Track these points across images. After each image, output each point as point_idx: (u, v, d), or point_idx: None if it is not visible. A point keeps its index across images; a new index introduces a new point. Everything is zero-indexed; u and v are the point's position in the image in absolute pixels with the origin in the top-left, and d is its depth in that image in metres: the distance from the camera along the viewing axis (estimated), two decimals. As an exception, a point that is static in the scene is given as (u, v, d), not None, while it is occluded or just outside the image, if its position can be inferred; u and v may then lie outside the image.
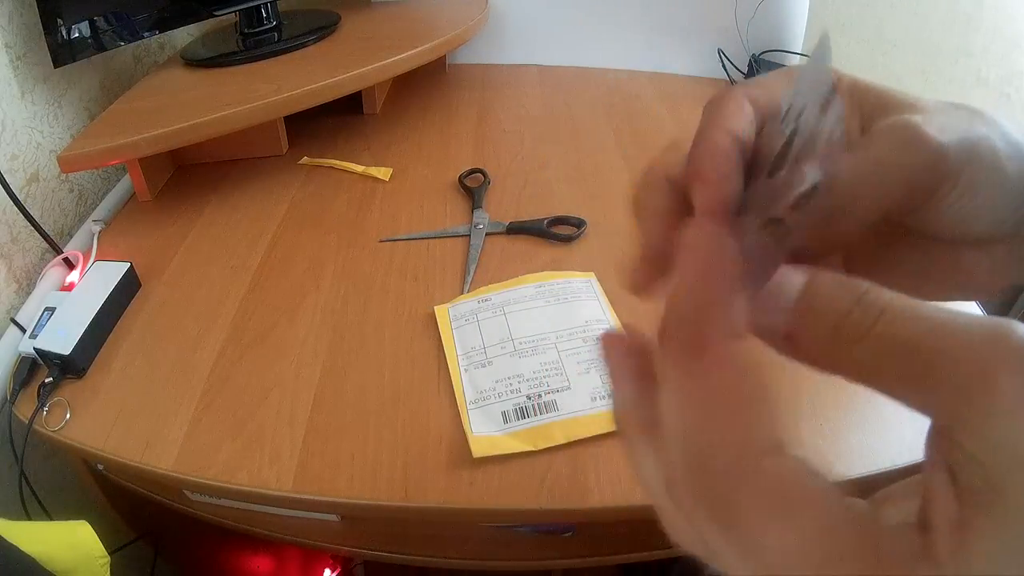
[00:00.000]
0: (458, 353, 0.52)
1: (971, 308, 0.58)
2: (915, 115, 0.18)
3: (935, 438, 0.14)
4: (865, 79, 0.20)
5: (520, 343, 0.51)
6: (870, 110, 0.20)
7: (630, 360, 0.18)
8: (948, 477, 0.13)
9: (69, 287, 0.59)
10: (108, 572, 0.41)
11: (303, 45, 0.80)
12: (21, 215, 0.60)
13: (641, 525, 0.54)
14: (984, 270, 0.21)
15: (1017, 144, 0.19)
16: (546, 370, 0.49)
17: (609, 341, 0.18)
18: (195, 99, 0.69)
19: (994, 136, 0.19)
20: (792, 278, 0.15)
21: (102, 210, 0.71)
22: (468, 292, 0.58)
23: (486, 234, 0.65)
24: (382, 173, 0.75)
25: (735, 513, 0.13)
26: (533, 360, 0.50)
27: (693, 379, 0.15)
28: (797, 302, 0.15)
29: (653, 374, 0.17)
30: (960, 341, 0.13)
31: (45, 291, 0.58)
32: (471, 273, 0.60)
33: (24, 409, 0.49)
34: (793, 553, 0.13)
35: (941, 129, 0.17)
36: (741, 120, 0.19)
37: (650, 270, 0.20)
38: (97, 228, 0.66)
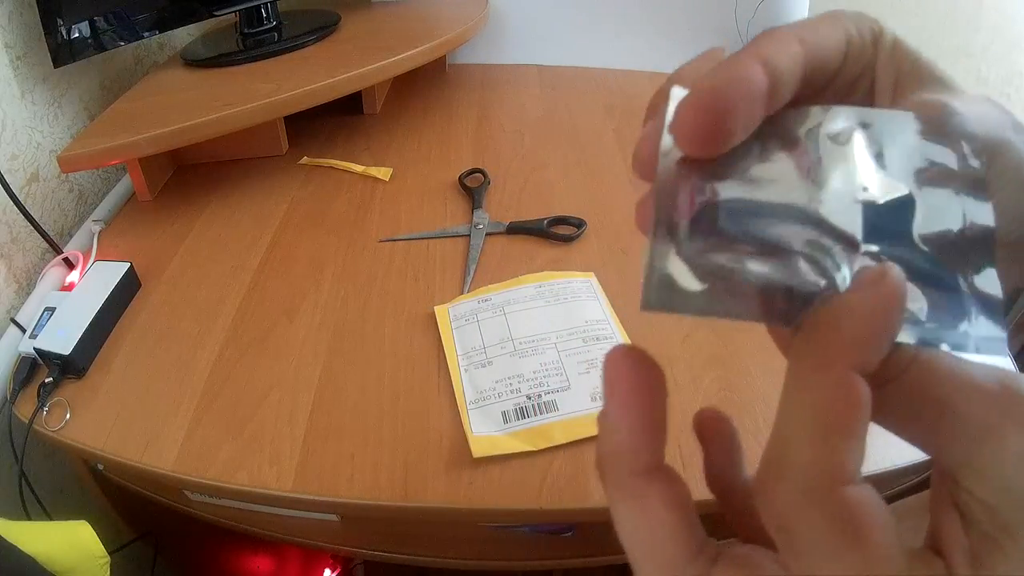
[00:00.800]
0: (458, 353, 0.52)
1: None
2: (948, 96, 0.17)
3: (941, 477, 0.14)
4: (908, 43, 0.19)
5: (520, 343, 0.51)
6: (905, 77, 0.18)
7: (639, 398, 0.15)
8: (957, 515, 0.13)
9: (69, 287, 0.59)
10: (108, 572, 0.41)
11: (303, 45, 0.80)
12: (21, 215, 0.60)
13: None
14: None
15: None
16: (546, 370, 0.49)
17: (619, 366, 0.16)
18: (195, 99, 0.69)
19: (1018, 135, 0.18)
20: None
21: (102, 210, 0.71)
22: (468, 292, 0.58)
23: (486, 234, 0.65)
24: (382, 173, 0.75)
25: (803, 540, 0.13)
26: (533, 360, 0.50)
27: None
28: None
29: (663, 420, 0.15)
30: (972, 393, 0.13)
31: (45, 291, 0.58)
32: (471, 273, 0.60)
33: (24, 409, 0.49)
34: None
35: (973, 119, 0.16)
36: (787, 64, 0.15)
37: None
38: (97, 228, 0.66)
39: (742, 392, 0.48)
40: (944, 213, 0.14)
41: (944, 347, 0.14)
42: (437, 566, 0.54)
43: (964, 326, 0.14)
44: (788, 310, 0.14)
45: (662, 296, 0.14)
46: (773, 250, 0.14)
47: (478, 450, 0.44)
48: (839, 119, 0.15)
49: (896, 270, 0.13)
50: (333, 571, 0.81)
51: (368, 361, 0.52)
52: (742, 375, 0.50)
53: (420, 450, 0.45)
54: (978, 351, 0.14)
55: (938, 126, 0.15)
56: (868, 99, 0.18)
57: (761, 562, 0.15)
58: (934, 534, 0.14)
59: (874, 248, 0.14)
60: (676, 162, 0.15)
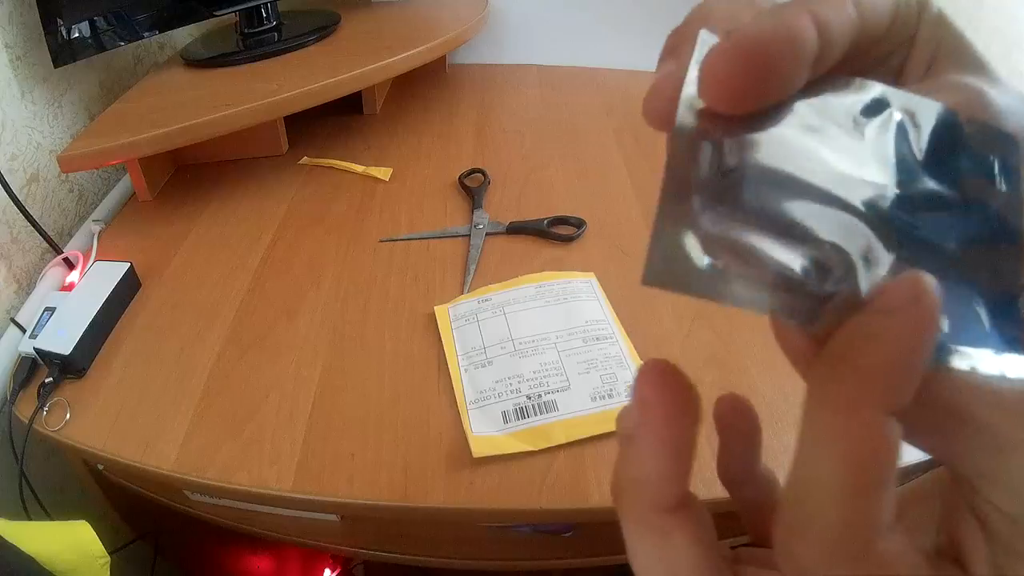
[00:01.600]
0: (458, 353, 0.52)
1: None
2: (986, 83, 0.16)
3: (958, 486, 0.14)
4: (952, 19, 0.17)
5: (520, 343, 0.51)
6: (944, 54, 0.17)
7: (674, 428, 0.14)
8: (977, 526, 0.13)
9: (69, 287, 0.59)
10: (108, 572, 0.41)
11: (303, 45, 0.80)
12: (21, 215, 0.60)
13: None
14: None
15: None
16: (546, 370, 0.49)
17: (655, 387, 0.14)
18: (195, 99, 0.69)
19: None
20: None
21: (102, 210, 0.71)
22: (468, 292, 0.58)
23: (486, 234, 0.65)
24: (382, 173, 0.75)
25: None
26: (533, 360, 0.50)
27: None
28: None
29: (693, 449, 0.14)
30: (996, 405, 0.12)
31: (45, 291, 0.58)
32: (471, 273, 0.60)
33: (24, 409, 0.49)
34: None
35: (1006, 106, 0.15)
36: (839, 25, 0.13)
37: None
38: (97, 228, 0.66)
39: (742, 392, 0.48)
40: (973, 224, 0.13)
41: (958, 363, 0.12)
42: (437, 566, 0.54)
43: (980, 339, 0.13)
44: (803, 306, 0.12)
45: (667, 270, 0.12)
46: (798, 234, 0.12)
47: (478, 450, 0.44)
48: (884, 100, 0.14)
49: (933, 285, 0.11)
50: (333, 571, 0.81)
51: (368, 361, 0.52)
52: (742, 375, 0.50)
53: (420, 450, 0.45)
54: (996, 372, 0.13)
55: (980, 127, 0.14)
56: (897, 75, 0.16)
57: None
58: (951, 542, 0.14)
59: (905, 253, 0.13)
60: (698, 115, 0.13)
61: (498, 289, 0.57)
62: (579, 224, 0.65)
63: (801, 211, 0.12)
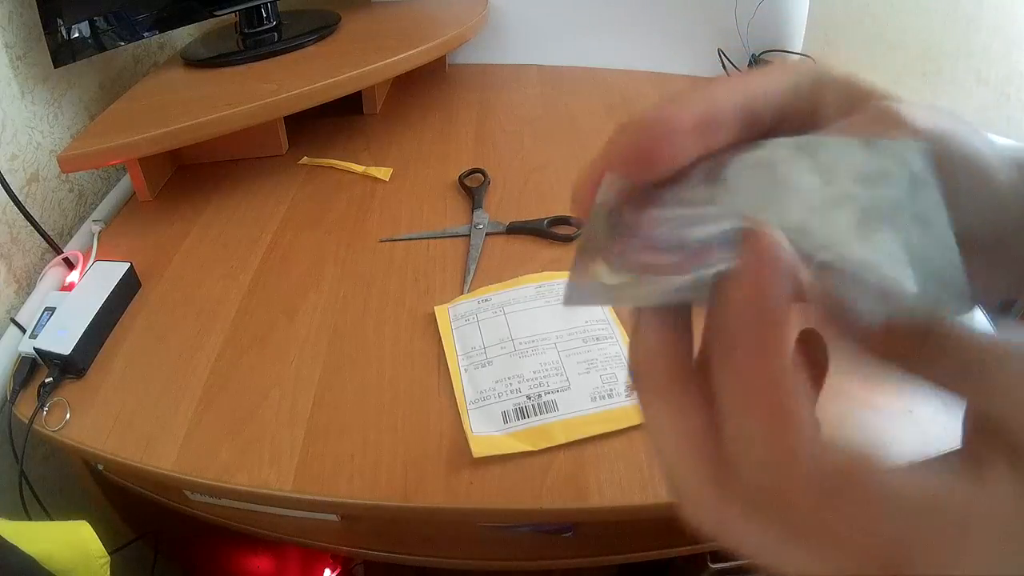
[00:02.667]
0: (458, 353, 0.52)
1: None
2: (897, 103, 0.18)
3: (985, 423, 0.15)
4: (858, 76, 0.20)
5: (520, 343, 0.51)
6: (856, 100, 0.20)
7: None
8: (1010, 450, 0.14)
9: (69, 287, 0.59)
10: (108, 572, 0.41)
11: (303, 45, 0.80)
12: (21, 215, 0.60)
13: (640, 525, 0.54)
14: (975, 280, 0.21)
15: (1004, 148, 0.19)
16: (546, 370, 0.49)
17: None
18: (195, 99, 0.69)
19: (975, 136, 0.19)
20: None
21: (102, 210, 0.71)
22: (468, 292, 0.58)
23: (486, 234, 0.65)
24: (382, 173, 0.75)
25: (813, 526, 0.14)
26: (533, 360, 0.50)
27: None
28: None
29: (689, 326, 0.16)
30: (1012, 355, 0.14)
31: (45, 291, 0.58)
32: (471, 273, 0.60)
33: (24, 409, 0.49)
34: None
35: (920, 116, 0.18)
36: (724, 104, 0.17)
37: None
38: (97, 228, 0.66)
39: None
40: (889, 217, 0.15)
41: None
42: (437, 566, 0.54)
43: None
44: (701, 294, 0.15)
45: (579, 295, 0.16)
46: (690, 254, 0.15)
47: (478, 450, 0.44)
48: (775, 147, 0.17)
49: (765, 234, 0.14)
50: (333, 571, 0.81)
51: (368, 361, 0.52)
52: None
53: (420, 450, 0.45)
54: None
55: (880, 142, 0.16)
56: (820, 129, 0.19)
57: None
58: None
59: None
60: (615, 193, 0.17)
61: (498, 289, 0.57)
62: (579, 224, 0.65)
63: (694, 237, 0.15)
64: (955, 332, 0.15)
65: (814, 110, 0.19)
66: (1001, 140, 0.19)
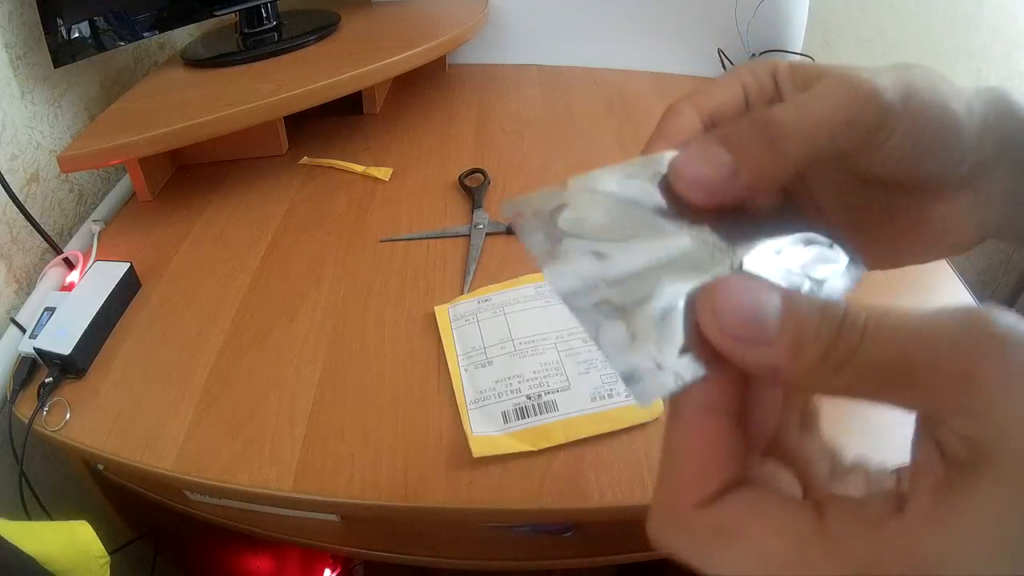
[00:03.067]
0: (458, 353, 0.52)
1: (962, 296, 0.59)
2: (855, 69, 0.19)
3: (922, 424, 0.15)
4: (803, 63, 0.22)
5: (520, 343, 0.51)
6: (810, 79, 0.21)
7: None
8: (937, 452, 0.14)
9: (69, 287, 0.59)
10: (108, 572, 0.41)
11: (303, 45, 0.80)
12: (21, 215, 0.60)
13: (640, 525, 0.54)
14: (952, 222, 0.22)
15: (965, 91, 0.20)
16: (546, 370, 0.49)
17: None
18: (195, 99, 0.69)
19: (938, 81, 0.20)
20: (768, 301, 0.15)
21: (102, 210, 0.71)
22: (468, 292, 0.58)
23: (486, 234, 0.65)
24: (382, 173, 0.75)
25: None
26: (533, 360, 0.50)
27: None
28: (782, 336, 0.15)
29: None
30: (937, 344, 0.13)
31: (45, 291, 0.58)
32: (471, 273, 0.60)
33: (24, 409, 0.49)
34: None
35: (875, 74, 0.19)
36: (685, 132, 0.21)
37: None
38: (97, 228, 0.66)
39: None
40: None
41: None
42: (437, 566, 0.54)
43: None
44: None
45: (523, 218, 0.20)
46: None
47: (478, 450, 0.44)
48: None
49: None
50: (333, 571, 0.81)
51: (368, 361, 0.52)
52: (742, 375, 0.50)
53: (420, 450, 0.45)
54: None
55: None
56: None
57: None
58: (901, 485, 0.15)
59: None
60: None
61: (498, 289, 0.57)
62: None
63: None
64: (875, 327, 0.14)
65: (773, 101, 0.21)
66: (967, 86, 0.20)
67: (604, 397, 0.47)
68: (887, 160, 0.20)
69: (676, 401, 0.16)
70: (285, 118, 0.77)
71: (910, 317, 0.14)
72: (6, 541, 0.36)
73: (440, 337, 0.53)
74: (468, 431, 0.46)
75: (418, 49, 0.77)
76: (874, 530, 0.14)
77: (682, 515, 0.16)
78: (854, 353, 0.14)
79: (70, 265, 0.61)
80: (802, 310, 0.15)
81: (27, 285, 0.63)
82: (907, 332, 0.14)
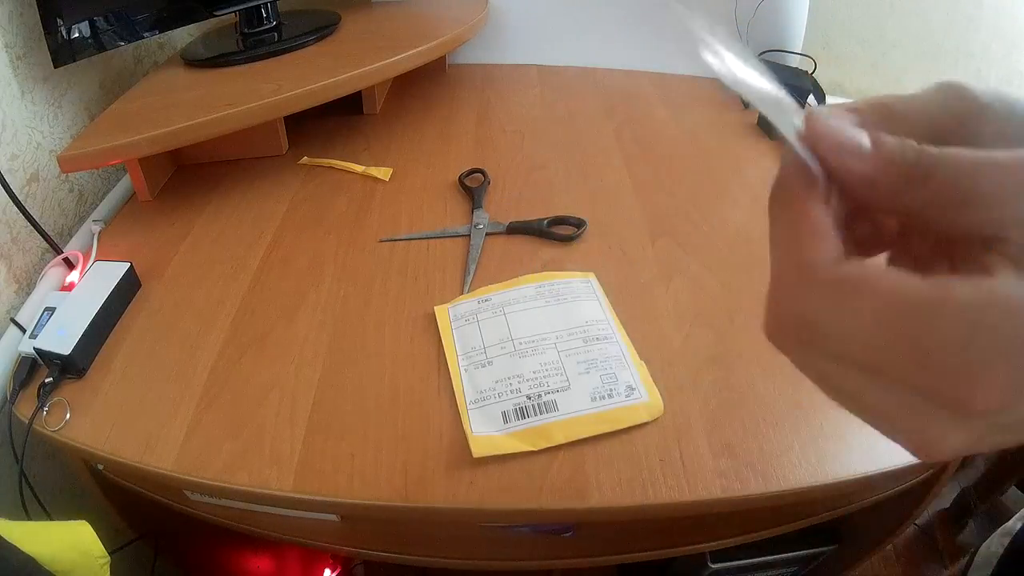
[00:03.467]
0: (458, 353, 0.52)
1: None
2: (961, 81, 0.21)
3: (981, 245, 0.17)
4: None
5: (520, 343, 0.51)
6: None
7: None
8: (1012, 260, 0.16)
9: (69, 287, 0.59)
10: (108, 572, 0.41)
11: (303, 45, 0.80)
12: (21, 215, 0.60)
13: (640, 525, 0.54)
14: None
15: None
16: (546, 370, 0.49)
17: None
18: (195, 99, 0.69)
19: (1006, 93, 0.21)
20: (861, 139, 0.18)
21: (102, 210, 0.71)
22: (468, 292, 0.58)
23: (486, 234, 0.65)
24: (382, 173, 0.75)
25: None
26: (533, 360, 0.50)
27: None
28: (875, 149, 0.18)
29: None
30: (998, 166, 0.16)
31: (45, 291, 0.58)
32: (471, 273, 0.60)
33: (24, 409, 0.49)
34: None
35: (981, 89, 0.20)
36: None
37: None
38: (97, 228, 0.66)
39: (742, 392, 0.48)
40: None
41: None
42: (437, 566, 0.54)
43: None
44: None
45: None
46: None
47: (478, 450, 0.44)
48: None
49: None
50: (333, 571, 0.81)
51: (368, 361, 0.52)
52: (742, 375, 0.50)
53: (420, 450, 0.45)
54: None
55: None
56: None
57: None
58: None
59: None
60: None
61: (498, 289, 0.57)
62: (579, 224, 0.65)
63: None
64: (943, 157, 0.17)
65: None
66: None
67: (604, 397, 0.47)
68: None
69: (785, 187, 0.19)
70: (285, 118, 0.77)
71: (976, 151, 0.16)
72: (6, 541, 0.36)
73: (440, 337, 0.53)
74: (468, 431, 0.46)
75: (418, 49, 0.77)
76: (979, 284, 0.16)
77: (808, 272, 0.18)
78: (935, 169, 0.17)
79: (70, 265, 0.61)
80: (889, 142, 0.18)
81: (27, 285, 0.63)
82: (974, 158, 0.16)
